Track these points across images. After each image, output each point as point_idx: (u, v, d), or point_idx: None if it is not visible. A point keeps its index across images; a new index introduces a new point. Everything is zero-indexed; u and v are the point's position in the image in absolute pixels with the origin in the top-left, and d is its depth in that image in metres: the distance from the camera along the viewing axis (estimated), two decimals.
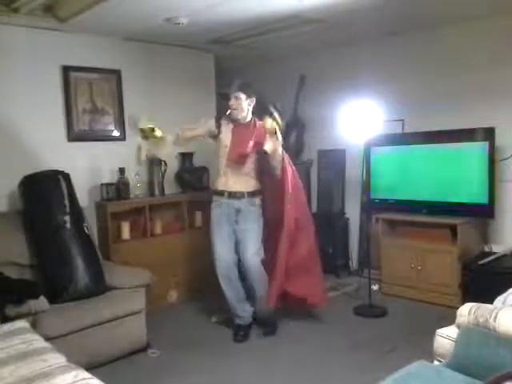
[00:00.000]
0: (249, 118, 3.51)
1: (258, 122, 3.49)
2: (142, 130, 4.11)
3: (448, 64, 4.24)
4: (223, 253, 3.49)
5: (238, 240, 3.51)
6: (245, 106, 3.44)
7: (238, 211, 3.47)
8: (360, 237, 4.97)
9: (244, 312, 3.59)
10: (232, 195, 3.47)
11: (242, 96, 3.41)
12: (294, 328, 3.66)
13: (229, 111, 3.47)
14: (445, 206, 4.07)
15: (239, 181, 3.48)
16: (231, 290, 3.53)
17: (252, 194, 3.50)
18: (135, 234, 4.12)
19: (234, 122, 3.51)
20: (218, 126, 3.53)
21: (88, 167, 4.03)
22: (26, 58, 3.70)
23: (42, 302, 2.86)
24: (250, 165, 3.48)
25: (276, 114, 3.53)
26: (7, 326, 2.46)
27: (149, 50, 4.40)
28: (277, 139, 3.31)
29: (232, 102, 3.43)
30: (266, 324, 3.62)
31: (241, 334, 3.52)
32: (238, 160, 3.45)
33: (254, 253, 3.47)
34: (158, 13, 3.47)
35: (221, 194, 3.51)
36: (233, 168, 3.47)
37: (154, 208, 4.23)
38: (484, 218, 4.01)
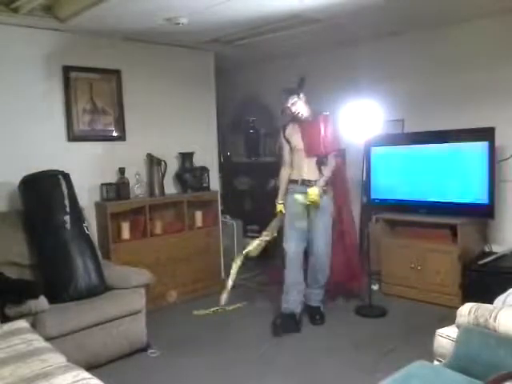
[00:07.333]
0: (308, 113, 3.66)
1: (321, 116, 3.66)
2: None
3: (448, 64, 4.24)
4: (293, 239, 3.65)
5: (309, 229, 3.67)
6: (302, 105, 3.64)
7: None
8: (360, 237, 4.96)
9: (293, 298, 3.65)
10: (305, 183, 3.63)
11: (297, 98, 3.60)
12: None
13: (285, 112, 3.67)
14: (445, 206, 4.07)
15: (312, 172, 3.65)
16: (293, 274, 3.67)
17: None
18: (135, 234, 4.12)
19: (298, 121, 3.70)
20: (287, 139, 3.77)
21: (88, 167, 4.03)
22: (26, 58, 3.70)
23: (41, 302, 2.85)
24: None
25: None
26: (7, 326, 2.46)
27: (149, 49, 4.40)
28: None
29: (294, 109, 3.62)
30: (316, 313, 3.77)
31: (282, 322, 3.59)
32: (312, 153, 3.64)
33: (325, 243, 3.67)
34: (158, 13, 3.47)
35: (295, 182, 3.70)
36: (306, 161, 3.66)
37: (154, 208, 4.23)
38: (484, 218, 4.00)
